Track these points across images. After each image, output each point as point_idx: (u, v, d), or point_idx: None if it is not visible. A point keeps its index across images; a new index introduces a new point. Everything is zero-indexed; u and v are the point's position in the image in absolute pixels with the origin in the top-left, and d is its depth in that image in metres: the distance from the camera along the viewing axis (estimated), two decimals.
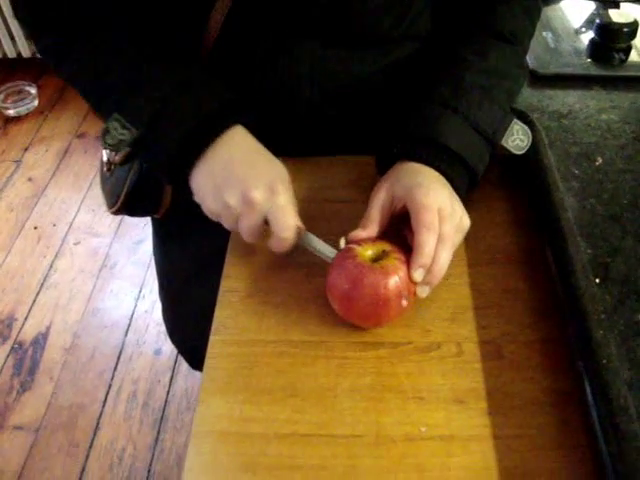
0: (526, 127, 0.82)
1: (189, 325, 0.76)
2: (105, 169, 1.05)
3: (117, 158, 0.96)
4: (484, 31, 0.87)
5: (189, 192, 0.78)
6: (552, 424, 0.65)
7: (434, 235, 0.69)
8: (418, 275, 0.69)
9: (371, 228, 0.73)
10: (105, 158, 1.03)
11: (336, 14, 0.82)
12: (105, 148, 0.78)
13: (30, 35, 0.86)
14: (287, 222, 0.73)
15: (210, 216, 0.78)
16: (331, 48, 0.85)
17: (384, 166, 0.82)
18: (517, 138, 0.81)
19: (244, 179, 0.73)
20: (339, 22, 0.83)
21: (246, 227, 0.74)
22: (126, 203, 1.01)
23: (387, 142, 0.82)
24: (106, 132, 0.77)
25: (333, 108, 0.91)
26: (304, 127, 0.92)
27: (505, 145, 0.81)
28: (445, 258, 0.70)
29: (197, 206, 0.79)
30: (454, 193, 0.77)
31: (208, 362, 0.72)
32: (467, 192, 0.81)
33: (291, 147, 0.89)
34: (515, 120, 0.81)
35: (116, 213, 1.05)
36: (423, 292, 0.71)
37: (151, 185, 1.00)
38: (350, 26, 0.84)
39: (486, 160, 0.82)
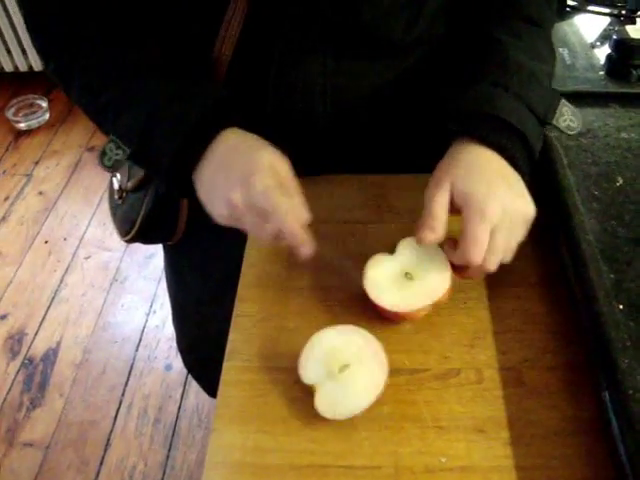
0: (575, 108, 0.80)
1: (204, 353, 0.75)
2: (116, 197, 1.04)
3: (129, 185, 0.95)
4: (514, 15, 0.86)
5: (203, 215, 0.77)
6: (575, 455, 0.64)
7: (482, 248, 0.69)
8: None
9: (439, 229, 0.71)
10: (116, 186, 1.02)
11: (346, 22, 0.80)
12: (105, 170, 0.78)
13: (41, 58, 0.86)
14: (272, 203, 0.69)
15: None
16: (343, 60, 0.84)
17: (437, 145, 0.79)
18: (567, 119, 0.79)
19: (222, 183, 0.72)
20: (350, 31, 0.82)
21: (248, 230, 0.74)
22: (141, 231, 1.00)
23: (439, 121, 0.80)
24: (103, 154, 0.77)
25: (347, 121, 0.90)
26: (318, 142, 0.91)
27: (557, 125, 0.79)
28: (493, 265, 0.70)
29: (210, 231, 0.78)
30: (515, 182, 0.74)
31: (222, 389, 0.70)
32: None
33: (306, 163, 0.87)
34: (563, 101, 0.80)
35: (130, 241, 1.04)
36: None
37: (166, 212, 0.98)
38: (361, 34, 0.83)
39: (541, 141, 0.79)
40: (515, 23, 0.85)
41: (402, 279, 0.74)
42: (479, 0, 0.89)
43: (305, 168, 0.83)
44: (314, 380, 0.68)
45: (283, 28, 0.81)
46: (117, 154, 0.76)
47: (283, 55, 0.82)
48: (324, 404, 0.66)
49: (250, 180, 0.69)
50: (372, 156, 0.94)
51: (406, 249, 0.76)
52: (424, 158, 0.80)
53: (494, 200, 0.69)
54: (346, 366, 0.68)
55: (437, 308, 0.75)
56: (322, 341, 0.70)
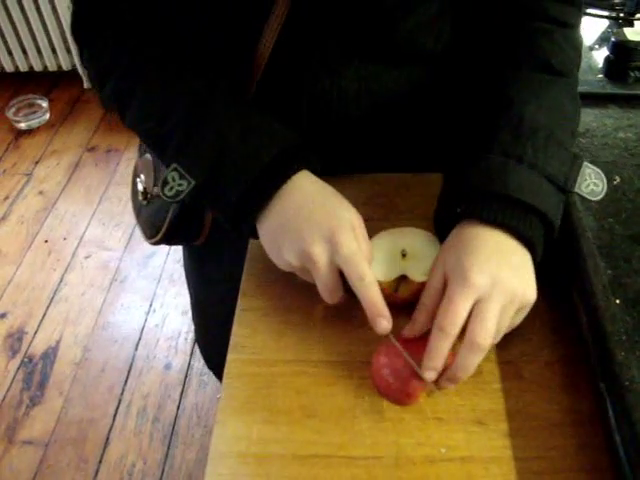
0: (598, 170, 0.73)
1: (224, 348, 0.75)
2: (141, 198, 1.03)
3: (156, 190, 0.94)
4: (530, 66, 0.80)
5: None
6: (573, 446, 0.65)
7: (447, 340, 0.63)
8: (429, 375, 0.64)
9: (421, 320, 0.68)
10: (141, 187, 1.01)
11: (377, 33, 0.81)
12: (166, 199, 0.75)
13: (95, 84, 0.85)
14: (357, 273, 0.67)
15: (285, 269, 0.74)
16: (376, 67, 0.85)
17: (442, 226, 0.75)
18: (591, 182, 0.73)
19: (300, 234, 0.69)
20: (381, 40, 0.83)
21: (319, 285, 0.69)
22: (166, 236, 0.99)
23: (446, 199, 0.76)
24: (165, 183, 0.73)
25: (380, 124, 0.91)
26: (350, 145, 0.92)
27: (579, 193, 0.73)
28: (471, 364, 0.63)
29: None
30: (519, 263, 0.68)
31: (226, 382, 0.71)
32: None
33: (331, 164, 0.89)
34: (586, 163, 0.74)
35: (156, 244, 1.03)
36: (446, 386, 0.66)
37: (193, 216, 0.98)
38: (395, 46, 0.84)
39: (561, 212, 0.72)
40: (532, 75, 0.79)
41: (398, 255, 0.76)
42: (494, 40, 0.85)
43: (334, 169, 0.83)
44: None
45: (320, 38, 0.82)
46: (180, 184, 0.73)
47: (318, 62, 0.83)
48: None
49: (337, 239, 0.67)
50: (396, 157, 0.96)
51: (408, 234, 0.79)
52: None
53: (482, 271, 0.64)
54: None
55: None
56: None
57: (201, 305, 1.28)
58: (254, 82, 0.84)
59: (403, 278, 0.75)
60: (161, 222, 0.97)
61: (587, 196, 0.72)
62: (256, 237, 0.75)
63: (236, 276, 0.83)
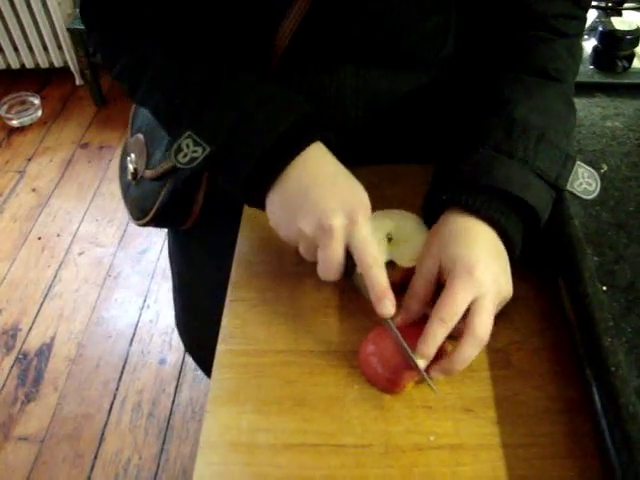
0: (591, 169, 0.76)
1: (211, 338, 0.75)
2: (130, 177, 1.02)
3: (148, 173, 0.94)
4: (527, 70, 0.82)
5: (220, 204, 0.77)
6: (561, 432, 0.65)
7: (445, 330, 0.65)
8: (421, 363, 0.66)
9: (415, 308, 0.70)
10: (131, 167, 1.01)
11: (376, 37, 0.82)
12: (179, 166, 0.75)
13: (105, 61, 0.86)
14: (372, 256, 0.68)
15: (287, 241, 0.74)
16: (376, 71, 0.86)
17: (431, 214, 0.77)
18: (584, 182, 0.75)
19: (321, 205, 0.68)
20: (383, 50, 0.84)
21: (325, 259, 0.69)
22: (154, 218, 0.99)
23: (434, 188, 0.77)
24: (178, 150, 0.73)
25: (377, 126, 0.92)
26: (346, 144, 0.92)
27: (572, 190, 0.75)
28: (470, 357, 0.65)
29: (224, 218, 0.78)
30: (503, 257, 0.71)
31: (216, 372, 0.72)
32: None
33: None
34: (579, 163, 0.75)
35: (143, 225, 1.03)
36: (438, 376, 0.67)
37: (182, 201, 0.98)
38: (394, 53, 0.85)
39: (549, 209, 0.74)
40: (528, 78, 0.81)
41: (383, 240, 0.77)
42: (493, 46, 0.87)
43: None
44: None
45: (323, 42, 0.82)
46: (195, 151, 0.73)
47: (318, 62, 0.84)
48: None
49: (358, 219, 0.68)
50: (392, 157, 0.96)
51: (394, 216, 0.80)
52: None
53: (487, 270, 0.67)
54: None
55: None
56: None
57: (184, 288, 1.28)
58: (271, 72, 0.84)
59: (389, 263, 0.75)
60: (150, 206, 0.98)
61: (580, 195, 0.74)
62: (260, 206, 0.75)
63: (221, 259, 0.84)
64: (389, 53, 0.84)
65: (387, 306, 0.67)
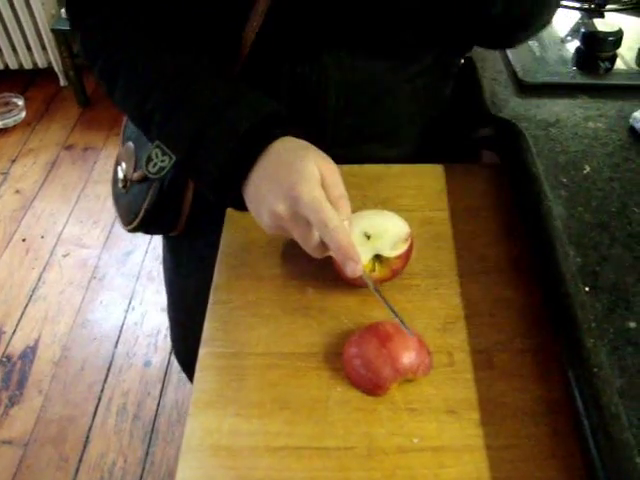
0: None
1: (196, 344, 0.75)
2: (120, 186, 1.03)
3: (135, 175, 0.95)
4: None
5: (207, 210, 0.77)
6: (544, 434, 0.65)
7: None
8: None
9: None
10: (121, 175, 1.01)
11: (361, 23, 0.82)
12: (149, 176, 0.76)
13: (88, 61, 0.86)
14: (323, 214, 0.65)
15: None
16: (358, 58, 0.85)
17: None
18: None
19: (266, 195, 0.69)
20: (368, 36, 0.84)
21: (298, 240, 0.70)
22: (143, 222, 0.99)
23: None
24: (149, 160, 0.75)
25: (357, 117, 0.92)
26: (325, 135, 0.92)
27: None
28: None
29: (213, 223, 0.78)
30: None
31: (198, 375, 0.71)
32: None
33: None
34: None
35: (133, 230, 1.03)
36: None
37: (169, 204, 0.98)
38: (378, 39, 0.84)
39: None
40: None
41: (362, 239, 0.76)
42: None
43: None
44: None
45: (303, 25, 0.82)
46: (163, 160, 0.74)
47: (299, 50, 0.84)
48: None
49: (296, 191, 0.66)
50: (374, 145, 0.97)
51: (364, 216, 0.79)
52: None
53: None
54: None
55: (398, 277, 0.79)
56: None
57: (175, 295, 1.27)
58: (240, 64, 0.84)
59: (376, 257, 0.75)
60: (138, 208, 0.98)
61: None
62: (239, 206, 0.75)
63: (210, 268, 0.83)
64: (367, 40, 0.84)
65: (351, 266, 0.66)
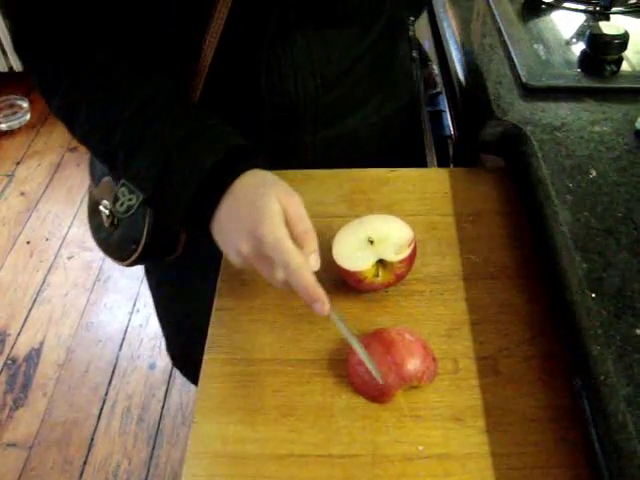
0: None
1: (192, 344, 0.75)
2: (107, 225, 0.98)
3: (122, 207, 0.90)
4: None
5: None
6: (551, 441, 0.65)
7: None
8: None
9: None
10: (107, 212, 0.96)
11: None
12: (116, 215, 0.75)
13: (44, 97, 0.84)
14: (283, 258, 0.66)
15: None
16: (324, 31, 0.85)
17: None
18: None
19: (230, 235, 0.70)
20: (326, 6, 0.83)
21: (267, 279, 0.70)
22: (146, 247, 0.95)
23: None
24: (116, 199, 0.74)
25: (334, 91, 0.91)
26: (311, 120, 0.92)
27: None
28: None
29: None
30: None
31: (202, 382, 0.71)
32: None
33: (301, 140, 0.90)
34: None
35: (132, 264, 1.00)
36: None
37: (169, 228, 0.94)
38: (330, 6, 0.83)
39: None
40: None
41: (365, 244, 0.76)
42: None
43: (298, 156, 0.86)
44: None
45: (267, 9, 0.81)
46: (130, 199, 0.74)
47: (268, 36, 0.83)
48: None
49: (258, 232, 0.66)
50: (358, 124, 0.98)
51: (368, 221, 0.79)
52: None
53: None
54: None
55: (403, 283, 0.78)
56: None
57: (164, 301, 1.26)
58: (204, 72, 0.83)
59: (379, 262, 0.75)
60: (138, 235, 0.93)
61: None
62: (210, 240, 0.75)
63: (202, 270, 0.83)
64: (327, 14, 0.84)
65: (318, 308, 0.66)
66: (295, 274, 0.65)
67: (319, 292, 0.66)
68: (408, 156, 1.06)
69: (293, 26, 0.83)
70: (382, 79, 0.98)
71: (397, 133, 1.07)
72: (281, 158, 0.73)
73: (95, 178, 1.01)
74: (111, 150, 0.76)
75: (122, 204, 0.73)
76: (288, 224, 0.68)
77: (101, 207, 0.97)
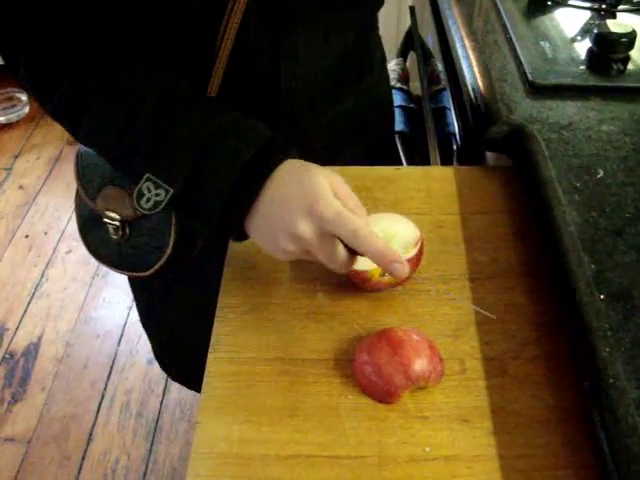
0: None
1: (176, 346, 0.73)
2: (115, 236, 0.91)
3: (147, 205, 0.77)
4: None
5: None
6: (558, 443, 0.64)
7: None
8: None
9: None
10: (116, 222, 0.90)
11: None
12: (143, 213, 0.71)
13: (37, 98, 0.79)
14: (352, 223, 0.65)
15: (286, 259, 0.73)
16: (295, 30, 0.83)
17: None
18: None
19: (282, 219, 0.67)
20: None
21: (325, 261, 0.68)
22: (171, 256, 0.89)
23: None
24: (140, 195, 0.70)
25: (317, 93, 0.91)
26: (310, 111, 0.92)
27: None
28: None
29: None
30: None
31: (206, 381, 0.70)
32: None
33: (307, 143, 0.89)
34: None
35: (155, 273, 0.92)
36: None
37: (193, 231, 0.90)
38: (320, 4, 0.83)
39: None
40: None
41: None
42: None
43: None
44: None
45: (279, 13, 0.80)
46: (158, 194, 0.70)
47: (287, 20, 0.81)
48: None
49: (317, 208, 0.65)
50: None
51: (375, 219, 0.78)
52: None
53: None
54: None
55: (409, 282, 0.78)
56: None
57: (155, 308, 1.25)
58: (222, 67, 0.80)
59: None
60: (167, 237, 0.88)
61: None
62: (240, 239, 0.73)
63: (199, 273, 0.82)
64: (316, 11, 0.83)
65: (399, 269, 0.66)
66: (367, 240, 0.65)
67: (396, 253, 0.66)
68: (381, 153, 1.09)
69: (305, 12, 0.82)
70: (361, 69, 0.99)
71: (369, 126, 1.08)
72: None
73: (89, 193, 0.92)
74: (130, 145, 0.73)
75: (148, 200, 0.70)
76: (339, 200, 0.67)
77: (106, 220, 0.91)
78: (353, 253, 0.68)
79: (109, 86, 0.74)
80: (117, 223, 0.90)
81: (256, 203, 0.69)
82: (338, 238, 0.66)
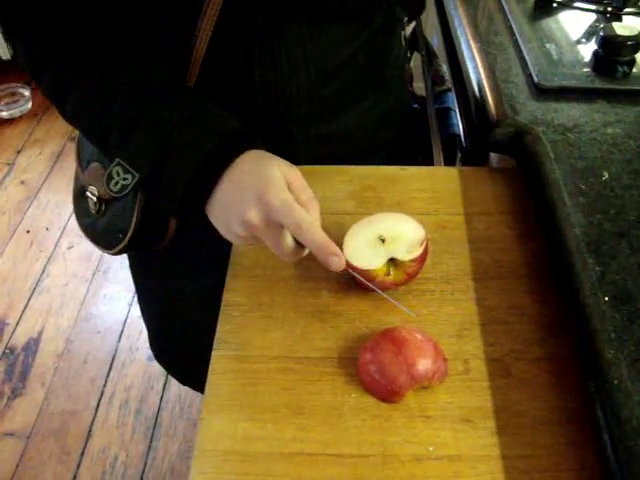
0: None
1: (175, 342, 0.74)
2: (94, 211, 0.98)
3: (115, 188, 0.84)
4: None
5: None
6: (561, 444, 0.64)
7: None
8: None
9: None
10: (94, 199, 0.96)
11: None
12: (111, 195, 0.75)
13: (33, 77, 0.83)
14: (295, 217, 0.67)
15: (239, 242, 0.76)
16: (319, 25, 0.84)
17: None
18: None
19: (235, 205, 0.70)
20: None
21: (270, 247, 0.71)
22: (134, 236, 0.94)
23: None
24: (109, 178, 0.74)
25: (328, 88, 0.91)
26: (305, 117, 0.92)
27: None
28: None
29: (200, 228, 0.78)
30: None
31: (210, 378, 0.70)
32: None
33: (298, 147, 0.90)
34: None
35: (119, 252, 0.99)
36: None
37: (158, 215, 0.94)
38: (329, 2, 0.84)
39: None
40: None
41: (377, 242, 0.76)
42: None
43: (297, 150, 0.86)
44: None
45: (262, 8, 0.80)
46: (125, 178, 0.73)
47: (261, 31, 0.82)
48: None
49: (265, 197, 0.67)
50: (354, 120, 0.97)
51: (379, 219, 0.79)
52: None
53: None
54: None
55: (413, 282, 0.78)
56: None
57: (155, 304, 1.26)
58: (199, 61, 0.82)
59: (391, 261, 0.75)
60: (128, 222, 0.93)
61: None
62: (201, 221, 0.75)
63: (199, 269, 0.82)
64: (324, 9, 0.83)
65: (334, 261, 0.68)
66: (308, 232, 0.67)
67: (334, 246, 0.68)
68: (401, 157, 1.06)
69: (285, 19, 0.82)
70: (376, 78, 0.98)
71: (390, 134, 1.06)
72: (271, 152, 0.73)
73: (82, 163, 1.00)
74: (105, 127, 0.76)
75: (116, 183, 0.73)
76: (292, 192, 0.70)
77: (88, 193, 0.97)
78: (300, 245, 0.70)
79: (91, 72, 0.78)
80: (95, 199, 0.96)
81: (215, 190, 0.72)
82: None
